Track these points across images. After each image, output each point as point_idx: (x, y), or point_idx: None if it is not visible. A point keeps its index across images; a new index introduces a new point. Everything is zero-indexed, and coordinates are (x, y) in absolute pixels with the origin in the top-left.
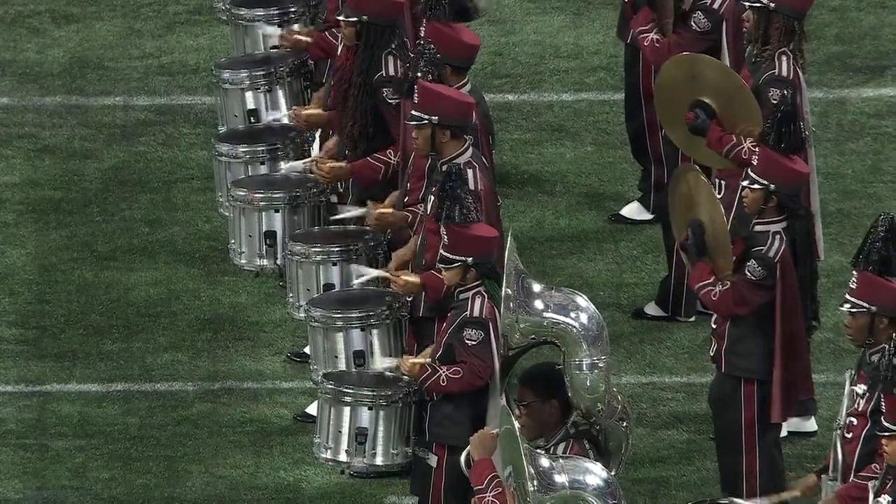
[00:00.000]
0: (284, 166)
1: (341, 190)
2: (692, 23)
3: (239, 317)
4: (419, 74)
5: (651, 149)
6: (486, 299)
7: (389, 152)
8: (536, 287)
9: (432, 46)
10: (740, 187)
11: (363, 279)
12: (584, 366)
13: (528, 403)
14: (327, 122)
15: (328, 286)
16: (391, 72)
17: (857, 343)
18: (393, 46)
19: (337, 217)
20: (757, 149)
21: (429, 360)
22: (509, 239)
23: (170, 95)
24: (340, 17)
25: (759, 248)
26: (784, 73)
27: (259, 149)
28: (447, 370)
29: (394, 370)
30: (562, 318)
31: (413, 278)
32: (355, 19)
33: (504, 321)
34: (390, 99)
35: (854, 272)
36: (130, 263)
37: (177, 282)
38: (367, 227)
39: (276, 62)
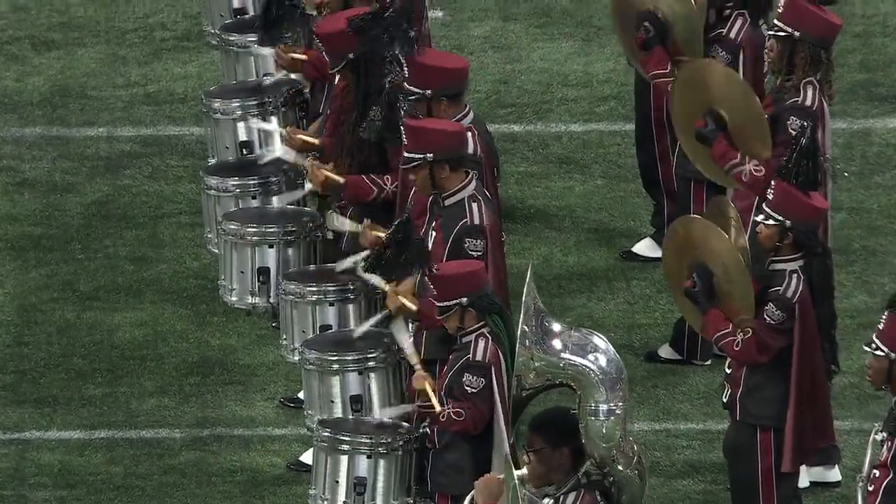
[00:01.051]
0: (278, 200)
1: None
2: (712, 57)
3: (229, 359)
4: (402, 114)
5: (663, 182)
6: (490, 341)
7: (387, 178)
8: (556, 326)
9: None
10: (752, 222)
11: (364, 328)
12: (601, 412)
13: (538, 450)
14: (322, 150)
15: (324, 328)
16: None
17: (875, 386)
18: (392, 74)
19: (343, 267)
20: (758, 173)
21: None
22: (528, 274)
23: (156, 126)
24: (333, 72)
25: (776, 289)
26: (808, 102)
27: (250, 182)
28: (452, 407)
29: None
30: (579, 359)
31: (409, 302)
32: (342, 64)
33: (518, 359)
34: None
35: (885, 313)
36: (114, 303)
37: (163, 323)
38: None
39: (269, 91)
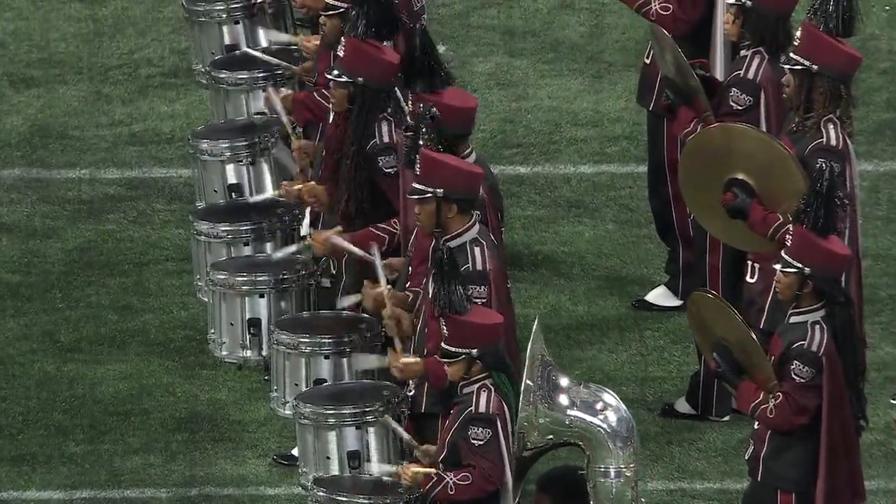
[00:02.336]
0: (276, 254)
1: (334, 272)
2: (731, 102)
3: (219, 415)
4: (422, 143)
5: (678, 227)
6: (493, 392)
7: (394, 222)
8: (564, 381)
9: (434, 110)
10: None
11: (363, 367)
12: (611, 473)
13: None
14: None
15: (318, 381)
16: (386, 139)
17: None
18: (388, 111)
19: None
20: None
21: (432, 470)
22: (535, 326)
23: (142, 168)
24: (332, 76)
25: (800, 344)
26: (833, 142)
27: (242, 228)
28: (455, 476)
29: (393, 476)
30: (588, 416)
31: (414, 362)
32: (349, 81)
33: (521, 416)
34: (387, 168)
35: None
36: (97, 355)
37: (149, 376)
38: (363, 315)
39: (260, 131)
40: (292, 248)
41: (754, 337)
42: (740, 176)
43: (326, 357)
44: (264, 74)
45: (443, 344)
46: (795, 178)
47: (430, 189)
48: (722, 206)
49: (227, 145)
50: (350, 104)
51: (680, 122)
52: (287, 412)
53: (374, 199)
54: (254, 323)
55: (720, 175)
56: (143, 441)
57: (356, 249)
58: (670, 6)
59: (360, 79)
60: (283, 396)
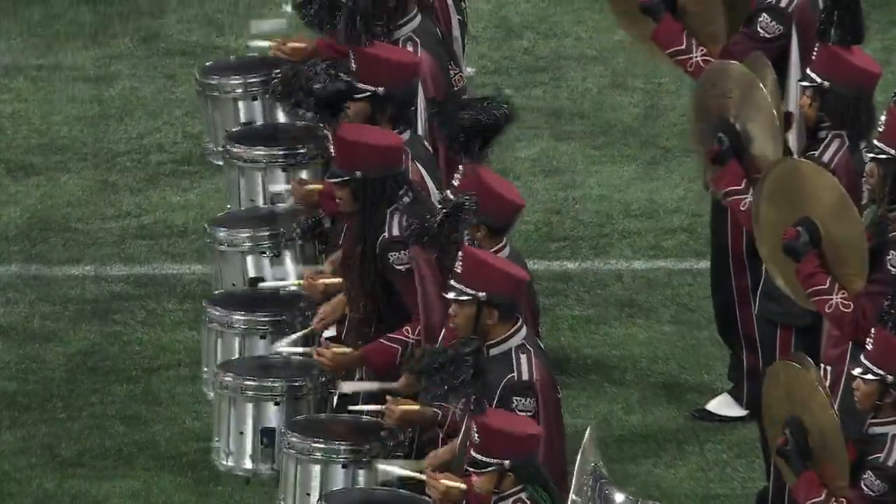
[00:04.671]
0: (278, 345)
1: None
2: (758, 28)
3: None
4: (463, 238)
5: (742, 328)
6: None
7: (406, 330)
8: (618, 497)
9: (473, 199)
10: (846, 372)
11: (389, 475)
12: None
13: None
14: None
15: (331, 495)
16: (395, 232)
17: None
18: (399, 202)
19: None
20: (846, 308)
21: None
22: (587, 435)
23: (151, 263)
24: (331, 181)
25: (876, 457)
26: None
27: (260, 319)
28: None
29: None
30: None
31: (455, 483)
32: (346, 178)
33: None
34: (398, 265)
35: None
36: (101, 470)
37: (159, 493)
38: (387, 424)
39: (283, 220)
40: (300, 353)
41: (840, 430)
42: (818, 222)
43: (345, 466)
44: (284, 152)
45: (472, 452)
46: (861, 258)
47: (471, 291)
48: (782, 238)
49: (247, 235)
50: (355, 202)
51: (725, 177)
52: None
53: (389, 300)
54: (266, 432)
55: (797, 208)
56: None
57: (374, 385)
58: (713, 61)
59: (358, 172)
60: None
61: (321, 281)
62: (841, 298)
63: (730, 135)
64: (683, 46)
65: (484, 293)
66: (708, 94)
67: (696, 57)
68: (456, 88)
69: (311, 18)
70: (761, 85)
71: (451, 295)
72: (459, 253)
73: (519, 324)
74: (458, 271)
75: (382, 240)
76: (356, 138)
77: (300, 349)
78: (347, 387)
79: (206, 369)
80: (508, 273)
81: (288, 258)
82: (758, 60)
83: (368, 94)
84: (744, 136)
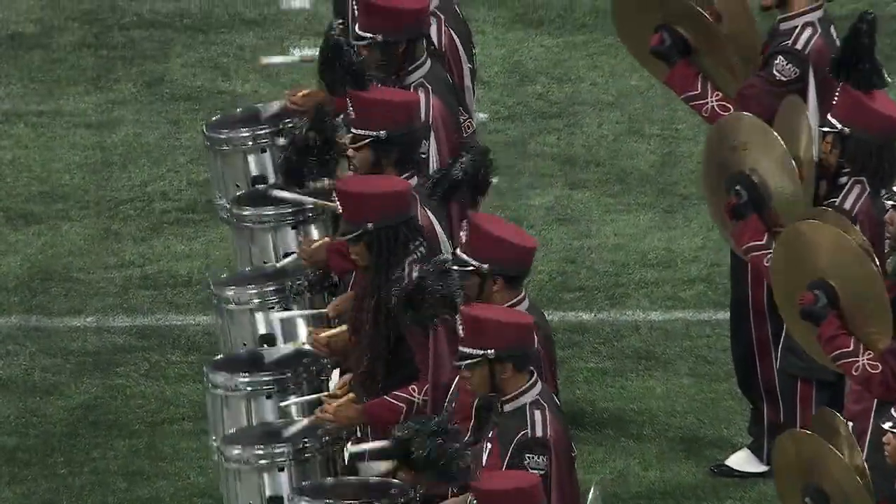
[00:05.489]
0: (290, 430)
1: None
2: (774, 70)
3: None
4: (459, 298)
5: (763, 381)
6: None
7: (413, 388)
8: None
9: (452, 260)
10: (875, 425)
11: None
12: None
13: None
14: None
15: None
16: None
17: None
18: (415, 252)
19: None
20: (873, 370)
21: None
22: (592, 491)
23: (155, 314)
24: (342, 238)
25: None
26: None
27: (263, 379)
28: None
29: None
30: None
31: None
32: (359, 232)
33: None
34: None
35: None
36: None
37: None
38: (394, 481)
39: (291, 275)
40: (304, 421)
41: (864, 490)
42: (833, 282)
43: None
44: (293, 210)
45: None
46: (883, 321)
47: (479, 352)
48: (798, 303)
49: (255, 292)
50: (372, 253)
51: (745, 232)
52: None
53: (395, 358)
54: (274, 501)
55: (812, 272)
56: None
57: (377, 444)
58: (729, 106)
59: (369, 224)
60: None
61: (324, 334)
62: (867, 359)
63: (747, 188)
64: (698, 91)
65: (492, 350)
66: (721, 146)
67: (712, 102)
68: (466, 135)
69: (332, 82)
70: (773, 131)
71: (461, 362)
72: (458, 316)
73: (534, 379)
74: (462, 335)
75: (400, 291)
76: (361, 189)
77: (306, 398)
78: (355, 449)
79: (213, 437)
80: (512, 323)
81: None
82: (794, 108)
83: (370, 139)
84: (762, 188)
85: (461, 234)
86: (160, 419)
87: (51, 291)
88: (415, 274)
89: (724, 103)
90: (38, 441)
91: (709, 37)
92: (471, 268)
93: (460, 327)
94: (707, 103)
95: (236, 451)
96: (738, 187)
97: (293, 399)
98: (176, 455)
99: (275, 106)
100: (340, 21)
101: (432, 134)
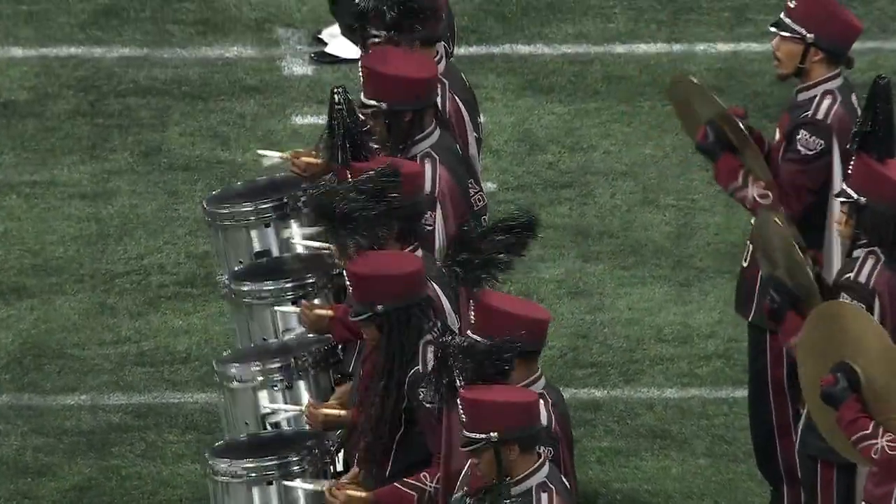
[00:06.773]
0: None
1: None
2: (799, 146)
3: None
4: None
5: (783, 461)
6: None
7: (425, 476)
8: None
9: (459, 343)
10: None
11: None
12: None
13: None
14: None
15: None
16: (430, 367)
17: None
18: (430, 333)
19: None
20: (893, 452)
21: None
22: None
23: (151, 392)
24: (354, 320)
25: None
26: None
27: (266, 464)
28: None
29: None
30: None
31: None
32: (368, 315)
33: None
34: (429, 402)
35: None
36: None
37: None
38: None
39: (295, 351)
40: (309, 485)
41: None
42: (855, 365)
43: None
44: (293, 284)
45: None
46: None
47: (482, 436)
48: (820, 386)
49: (258, 369)
50: (383, 334)
51: (787, 330)
52: None
53: (403, 441)
54: None
55: (835, 355)
56: None
57: None
58: (769, 195)
59: (379, 307)
60: None
61: (322, 410)
62: (887, 441)
63: (781, 292)
64: (739, 183)
65: (495, 433)
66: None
67: (751, 192)
68: (476, 208)
69: (335, 154)
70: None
71: (467, 448)
72: (458, 401)
73: (542, 460)
74: (464, 419)
75: (415, 373)
76: (371, 271)
77: (311, 486)
78: None
79: None
80: (513, 403)
81: (302, 388)
82: (764, 221)
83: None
84: (798, 290)
85: (469, 312)
86: (157, 501)
87: (44, 368)
88: (429, 355)
89: (765, 192)
90: None
91: (745, 141)
92: None
93: (461, 412)
94: (747, 194)
95: None
96: (772, 293)
97: (298, 482)
98: None
99: (275, 158)
100: (340, 86)
101: (438, 206)
